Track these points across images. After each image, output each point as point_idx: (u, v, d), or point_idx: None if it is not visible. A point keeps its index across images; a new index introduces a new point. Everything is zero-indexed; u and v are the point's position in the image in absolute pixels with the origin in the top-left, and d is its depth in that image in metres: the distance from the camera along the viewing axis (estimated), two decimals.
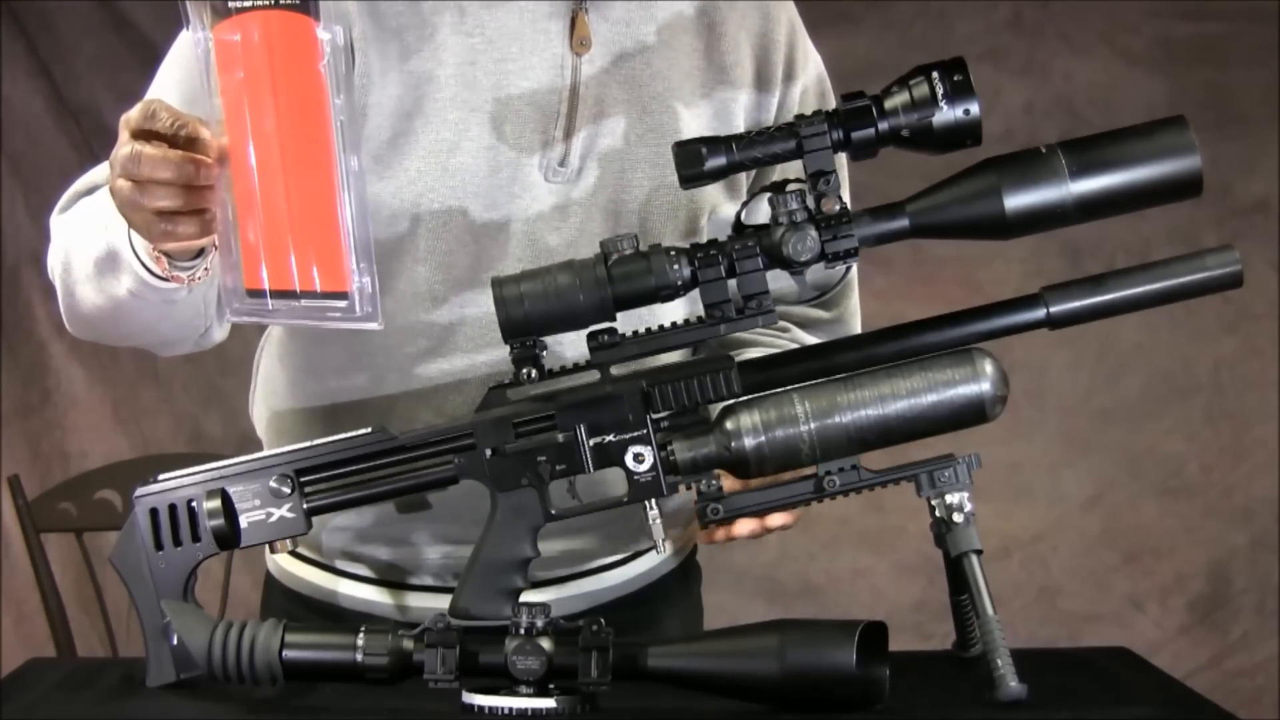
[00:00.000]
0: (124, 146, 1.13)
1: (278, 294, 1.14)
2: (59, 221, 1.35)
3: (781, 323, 1.44)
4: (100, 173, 1.35)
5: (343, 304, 1.13)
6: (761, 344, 1.40)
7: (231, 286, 1.16)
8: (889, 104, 1.10)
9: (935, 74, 1.09)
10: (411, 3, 1.29)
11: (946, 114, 1.09)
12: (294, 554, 1.43)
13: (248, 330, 2.85)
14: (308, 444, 1.20)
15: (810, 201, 1.12)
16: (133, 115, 1.14)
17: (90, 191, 1.35)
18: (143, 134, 1.13)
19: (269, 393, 1.45)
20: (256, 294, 1.15)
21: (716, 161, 1.12)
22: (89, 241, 1.26)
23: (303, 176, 1.12)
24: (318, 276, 1.13)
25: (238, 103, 1.12)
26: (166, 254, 1.20)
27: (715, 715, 1.12)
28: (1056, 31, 3.18)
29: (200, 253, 1.20)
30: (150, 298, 1.23)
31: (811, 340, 1.43)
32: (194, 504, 1.19)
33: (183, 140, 1.12)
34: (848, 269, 1.14)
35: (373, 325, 1.13)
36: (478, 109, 1.29)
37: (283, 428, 1.42)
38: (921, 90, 1.09)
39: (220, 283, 1.17)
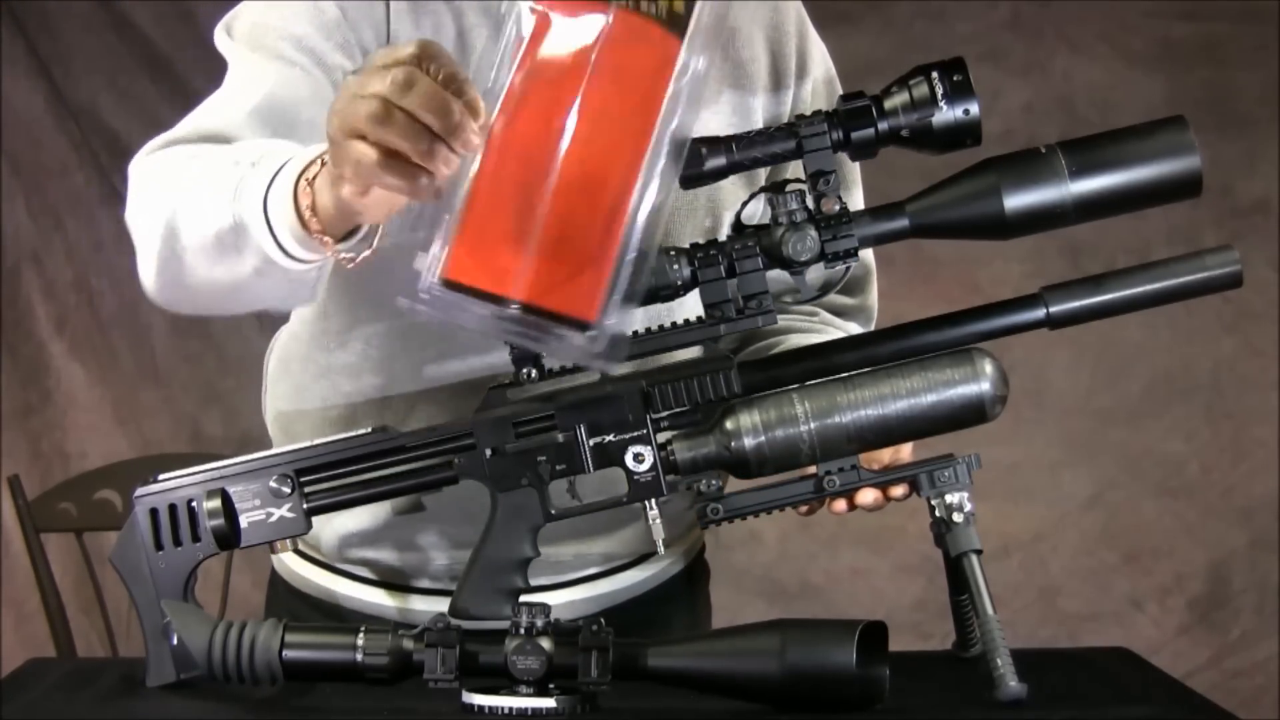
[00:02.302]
0: (395, 69, 0.96)
1: (488, 296, 1.01)
2: (152, 167, 1.20)
3: (810, 306, 1.44)
4: (205, 122, 1.22)
5: (577, 334, 1.01)
6: (798, 329, 1.41)
7: (422, 268, 1.01)
8: (889, 104, 1.10)
9: (935, 74, 1.09)
10: (449, 3, 1.30)
11: (946, 114, 1.09)
12: (300, 554, 1.43)
13: (247, 330, 2.85)
14: (308, 444, 1.20)
15: (810, 201, 1.12)
16: (398, 49, 0.97)
17: (194, 140, 1.21)
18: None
19: (279, 394, 1.44)
20: (458, 287, 1.01)
21: (716, 161, 1.12)
22: (210, 208, 1.12)
23: (589, 190, 0.99)
24: (557, 294, 1.00)
25: (540, 88, 0.98)
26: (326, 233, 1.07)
27: (715, 715, 1.12)
28: (1056, 31, 3.18)
29: (353, 233, 1.09)
30: (275, 277, 1.12)
31: (840, 324, 1.44)
32: (194, 504, 1.19)
33: (452, 90, 0.96)
34: (848, 269, 1.14)
35: (607, 367, 1.04)
36: None
37: (294, 430, 1.40)
38: (921, 90, 1.09)
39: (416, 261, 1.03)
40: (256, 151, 1.13)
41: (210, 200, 1.11)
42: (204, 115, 1.22)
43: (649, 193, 0.99)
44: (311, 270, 1.12)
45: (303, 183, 1.06)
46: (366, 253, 1.09)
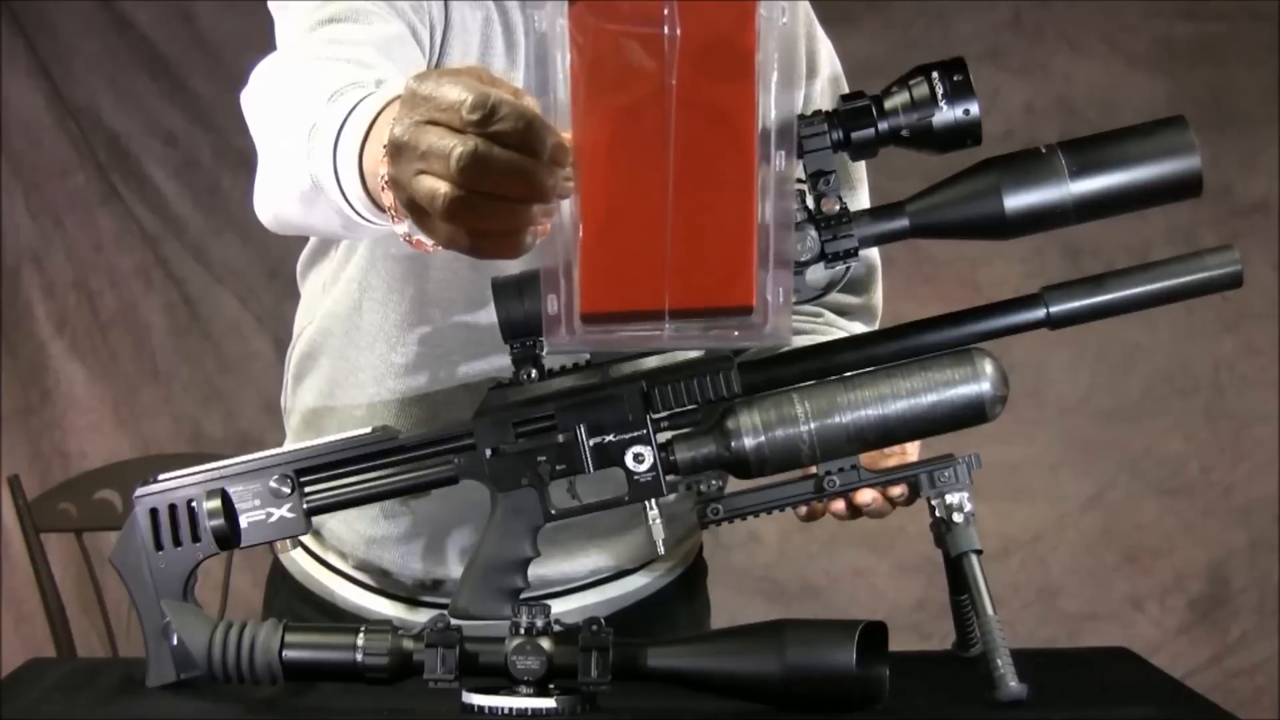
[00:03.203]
0: (450, 140, 0.83)
1: (636, 315, 0.94)
2: (253, 104, 1.14)
3: (814, 308, 1.44)
4: (301, 68, 1.13)
5: (741, 320, 0.94)
6: (802, 331, 1.41)
7: (555, 312, 0.94)
8: (889, 104, 1.10)
9: (935, 74, 1.09)
10: (499, 2, 1.29)
11: (946, 114, 1.09)
12: (310, 554, 1.43)
13: (247, 330, 2.84)
14: (308, 444, 1.20)
15: (810, 201, 1.12)
16: (455, 100, 0.84)
17: (287, 81, 1.13)
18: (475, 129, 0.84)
19: (307, 390, 1.42)
20: (602, 318, 0.94)
21: None
22: (292, 163, 1.06)
23: (707, 175, 0.92)
24: (706, 289, 0.93)
25: (618, 87, 0.90)
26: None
27: (715, 715, 1.12)
28: (1056, 31, 3.18)
29: None
30: (361, 231, 1.07)
31: (844, 324, 1.45)
32: (194, 504, 1.19)
33: (531, 148, 0.85)
34: (848, 269, 1.14)
35: (783, 341, 0.97)
36: None
37: (321, 425, 1.39)
38: (921, 90, 1.09)
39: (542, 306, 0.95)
40: (327, 110, 1.03)
41: (290, 153, 1.06)
42: (286, 60, 1.15)
43: (774, 155, 0.93)
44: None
45: (371, 148, 0.97)
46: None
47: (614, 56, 0.91)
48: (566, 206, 0.92)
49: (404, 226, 0.94)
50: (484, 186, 0.84)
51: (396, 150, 0.87)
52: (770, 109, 0.92)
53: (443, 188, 0.84)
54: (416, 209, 0.88)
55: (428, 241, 0.93)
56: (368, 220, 1.01)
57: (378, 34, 1.18)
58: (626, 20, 0.90)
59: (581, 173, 0.91)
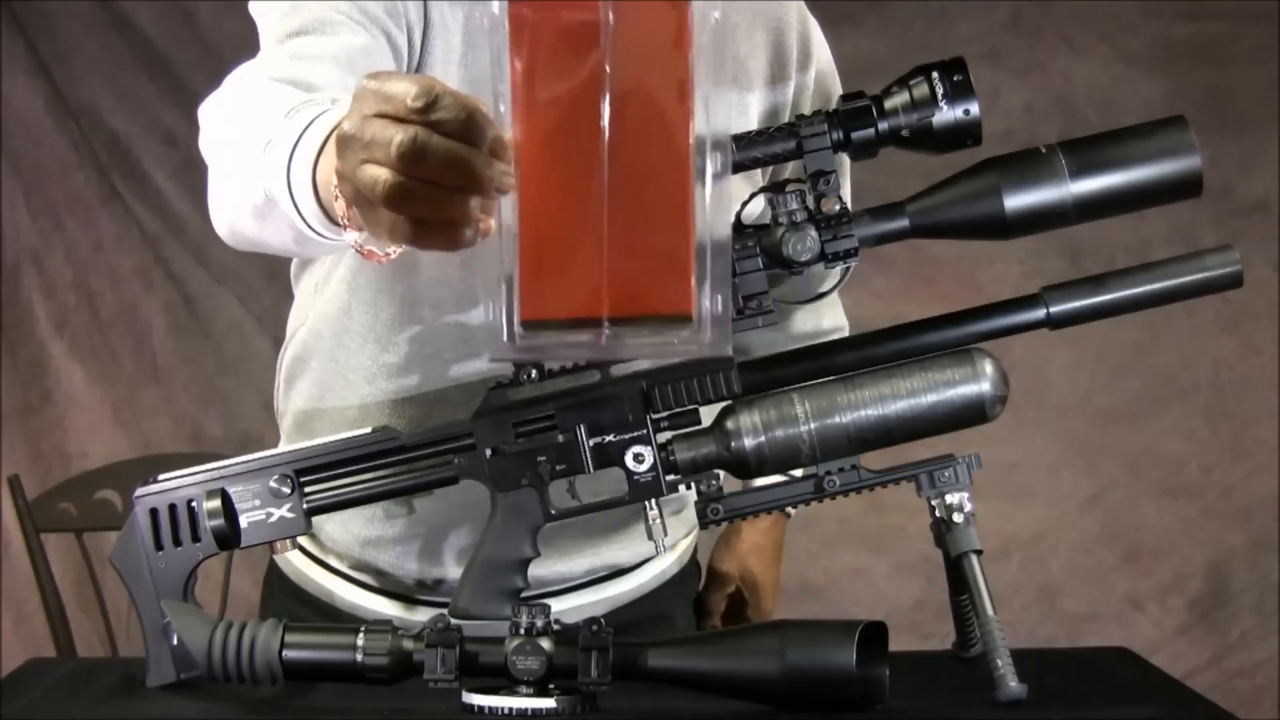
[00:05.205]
0: (393, 129, 0.85)
1: (576, 323, 0.94)
2: (211, 115, 1.14)
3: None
4: (255, 87, 1.13)
5: (681, 330, 0.94)
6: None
7: (495, 318, 0.94)
8: (889, 104, 1.10)
9: (935, 74, 1.09)
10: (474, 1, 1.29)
11: (946, 114, 1.09)
12: (306, 554, 1.43)
13: (247, 330, 2.84)
14: (308, 444, 1.20)
15: (810, 201, 1.12)
16: (401, 92, 0.85)
17: (248, 97, 1.13)
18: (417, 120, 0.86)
19: (299, 393, 1.42)
20: (541, 325, 0.94)
21: None
22: (246, 178, 1.06)
23: (645, 180, 0.92)
24: (646, 297, 0.93)
25: (556, 89, 0.91)
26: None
27: (715, 715, 1.12)
28: (1056, 31, 3.18)
29: None
30: (312, 246, 1.07)
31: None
32: (194, 504, 1.19)
33: (470, 138, 0.86)
34: (847, 269, 1.14)
35: (722, 352, 0.96)
36: None
37: (313, 428, 1.39)
38: (921, 90, 1.09)
39: (485, 310, 0.95)
40: (284, 124, 1.04)
41: (246, 169, 1.06)
42: (255, 70, 1.15)
43: (708, 161, 0.93)
44: (350, 235, 1.00)
45: (325, 161, 0.97)
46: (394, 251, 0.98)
47: (551, 55, 0.92)
48: (508, 212, 0.92)
49: (354, 236, 0.95)
50: (423, 173, 0.85)
51: (343, 143, 0.88)
52: (705, 109, 0.92)
53: (383, 174, 0.86)
54: (363, 201, 0.89)
55: (378, 251, 0.94)
56: (320, 235, 1.02)
57: (342, 46, 1.18)
58: (564, 18, 0.91)
59: (521, 176, 0.91)
